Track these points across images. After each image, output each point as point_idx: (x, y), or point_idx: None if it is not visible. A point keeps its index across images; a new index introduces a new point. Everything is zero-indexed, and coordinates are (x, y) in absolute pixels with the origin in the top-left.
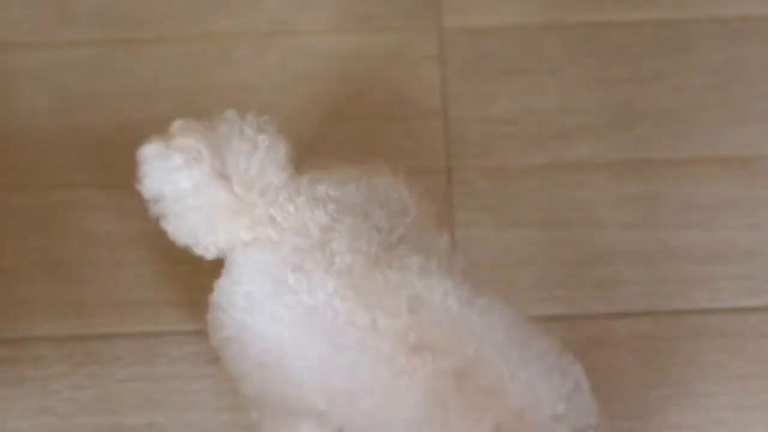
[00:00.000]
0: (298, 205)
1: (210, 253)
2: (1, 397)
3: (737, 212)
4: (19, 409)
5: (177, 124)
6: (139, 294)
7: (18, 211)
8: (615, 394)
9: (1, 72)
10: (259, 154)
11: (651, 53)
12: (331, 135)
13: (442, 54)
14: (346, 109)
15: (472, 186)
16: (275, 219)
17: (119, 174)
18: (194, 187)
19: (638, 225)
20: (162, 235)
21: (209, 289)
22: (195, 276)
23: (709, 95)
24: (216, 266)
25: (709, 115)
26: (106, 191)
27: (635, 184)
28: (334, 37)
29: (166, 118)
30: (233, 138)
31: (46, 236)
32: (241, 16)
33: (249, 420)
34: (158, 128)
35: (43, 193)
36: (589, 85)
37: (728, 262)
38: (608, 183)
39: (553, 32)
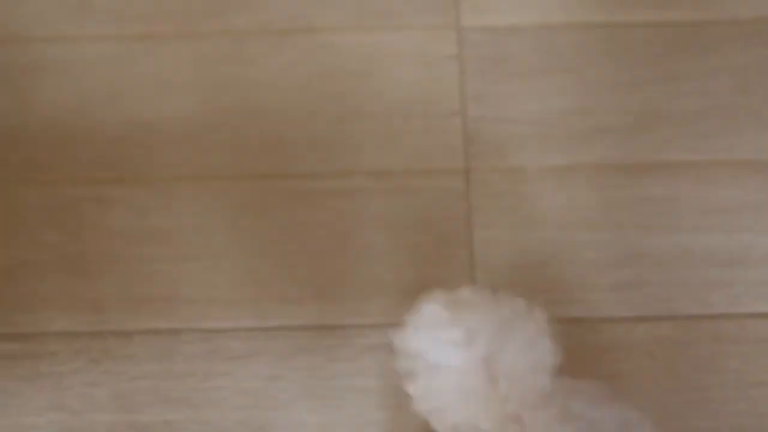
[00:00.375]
0: (549, 414)
1: (443, 429)
2: (15, 392)
3: (757, 216)
4: (33, 404)
5: (465, 293)
6: (155, 290)
7: (35, 205)
8: (633, 398)
9: (20, 66)
10: (533, 352)
11: (671, 55)
12: (349, 133)
13: (461, 53)
14: (364, 108)
15: (490, 186)
16: (522, 420)
17: (136, 169)
18: (458, 366)
19: (658, 228)
20: (178, 231)
21: (226, 287)
22: (211, 273)
23: (730, 98)
24: (233, 261)
25: (730, 117)
26: (123, 187)
27: (655, 186)
28: (352, 34)
29: (183, 114)
30: (515, 328)
31: (63, 231)
32: (259, 12)
33: (265, 419)
34: (174, 124)
35: (60, 188)
36: (609, 86)
37: (748, 266)
38: (628, 185)
39: (574, 32)
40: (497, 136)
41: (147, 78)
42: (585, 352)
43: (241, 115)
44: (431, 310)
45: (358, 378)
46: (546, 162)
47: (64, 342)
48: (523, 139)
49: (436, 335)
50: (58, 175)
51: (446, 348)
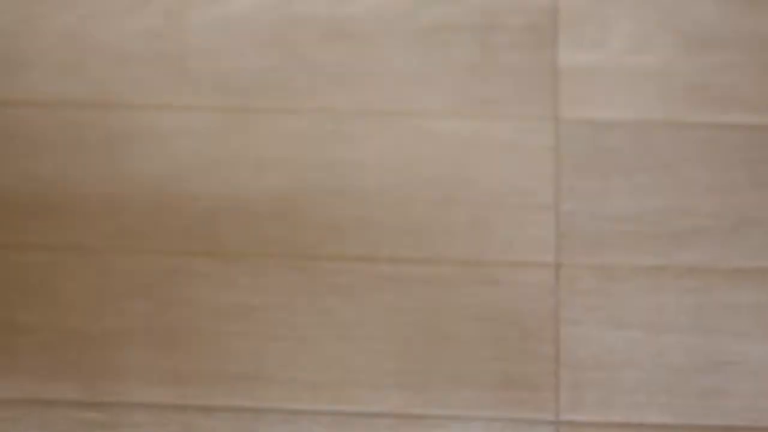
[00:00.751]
0: None
1: None
2: None
3: None
4: None
5: None
6: (239, 367)
7: (124, 274)
8: None
9: (117, 132)
10: None
11: None
12: (441, 220)
13: (558, 145)
14: (457, 195)
15: (580, 283)
16: None
17: (227, 243)
18: None
19: (749, 335)
20: (265, 308)
21: (310, 369)
22: (297, 353)
23: None
24: (318, 343)
25: None
26: (213, 260)
27: (748, 292)
28: (451, 120)
29: (277, 190)
30: None
31: (151, 301)
32: (359, 92)
33: None
34: (267, 200)
35: (150, 258)
36: (705, 188)
37: None
38: (720, 290)
39: (672, 131)
40: (590, 232)
41: (243, 151)
42: None
43: (333, 195)
44: None
45: None
46: (637, 261)
47: (146, 413)
48: (616, 237)
49: None
50: (149, 245)
51: None
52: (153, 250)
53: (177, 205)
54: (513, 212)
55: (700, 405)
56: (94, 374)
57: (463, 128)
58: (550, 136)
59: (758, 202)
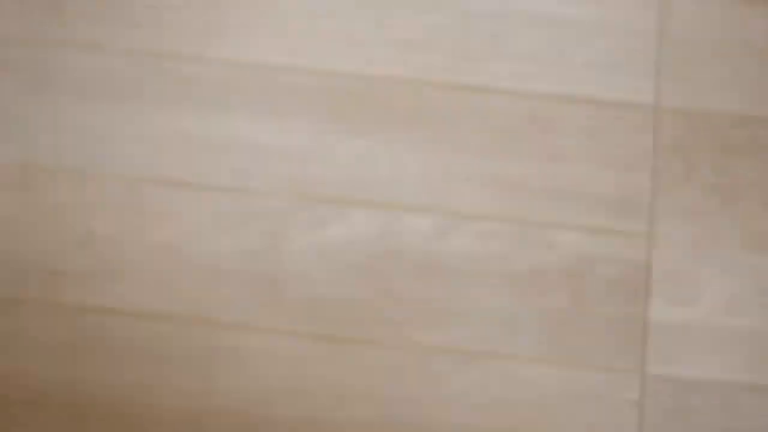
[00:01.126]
0: None
1: None
2: None
3: None
4: None
5: None
6: None
7: None
8: None
9: (202, 348)
10: None
11: None
12: None
13: (642, 400)
14: None
15: None
16: None
17: None
18: None
19: None
20: None
21: None
22: None
23: None
24: None
25: None
26: None
27: None
28: (537, 366)
29: (358, 422)
30: None
31: None
32: (447, 330)
33: None
34: None
35: None
36: None
37: None
38: None
39: (759, 395)
40: None
41: (327, 380)
42: None
43: (414, 431)
44: None
45: None
46: None
47: None
48: None
49: None
50: None
51: None
52: None
53: (256, 427)
54: None
55: None
56: None
57: (549, 375)
58: (635, 390)
59: None
